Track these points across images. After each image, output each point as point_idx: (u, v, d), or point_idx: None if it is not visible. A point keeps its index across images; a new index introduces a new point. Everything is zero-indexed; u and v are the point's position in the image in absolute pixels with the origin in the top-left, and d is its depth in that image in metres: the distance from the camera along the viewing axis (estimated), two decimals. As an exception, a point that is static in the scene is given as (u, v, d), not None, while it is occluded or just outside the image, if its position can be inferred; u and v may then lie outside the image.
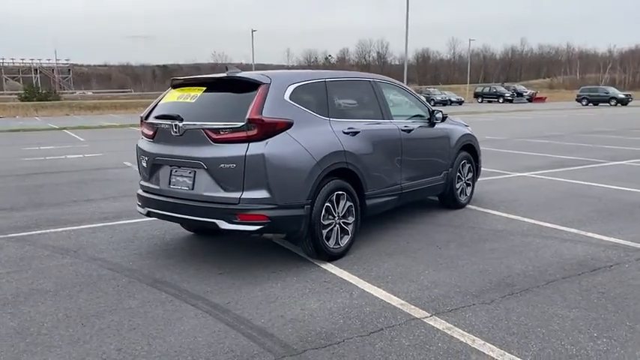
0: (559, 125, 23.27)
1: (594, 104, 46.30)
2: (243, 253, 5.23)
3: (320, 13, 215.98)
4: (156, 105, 5.23)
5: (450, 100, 50.85)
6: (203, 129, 4.57)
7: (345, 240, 5.04)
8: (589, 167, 10.77)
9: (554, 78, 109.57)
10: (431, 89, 56.29)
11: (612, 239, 5.53)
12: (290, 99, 4.73)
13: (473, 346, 3.33)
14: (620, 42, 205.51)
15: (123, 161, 12.22)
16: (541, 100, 57.59)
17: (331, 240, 4.88)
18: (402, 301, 4.03)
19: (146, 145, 5.11)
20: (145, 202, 5.08)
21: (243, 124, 4.42)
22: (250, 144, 4.41)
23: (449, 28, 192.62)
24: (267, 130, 4.43)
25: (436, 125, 6.51)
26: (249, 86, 4.66)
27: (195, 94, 4.86)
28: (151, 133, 5.06)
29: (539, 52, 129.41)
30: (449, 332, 3.51)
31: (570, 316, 3.73)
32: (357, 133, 5.19)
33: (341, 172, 4.94)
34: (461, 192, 7.00)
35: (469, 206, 7.14)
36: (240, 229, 4.45)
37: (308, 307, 3.96)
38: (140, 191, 5.21)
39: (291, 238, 4.81)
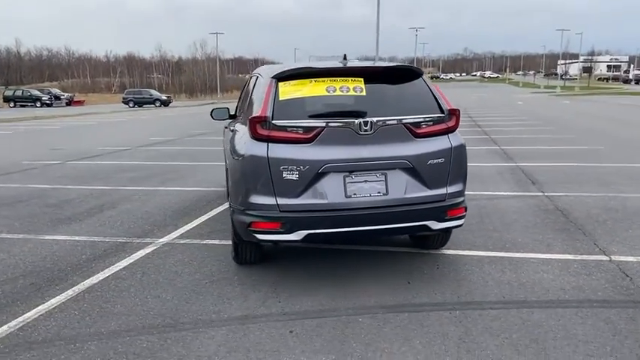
0: (156, 127, 22.64)
1: (140, 106, 48.88)
2: (349, 264, 4.74)
3: None
4: (274, 102, 4.08)
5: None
6: (404, 124, 4.07)
7: None
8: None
9: (62, 81, 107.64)
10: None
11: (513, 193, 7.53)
12: None
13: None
14: (115, 48, 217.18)
15: None
16: (80, 103, 56.53)
17: None
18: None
19: (296, 151, 3.94)
20: (297, 223, 3.96)
21: (444, 115, 4.22)
22: (449, 135, 4.26)
23: None
24: (459, 119, 4.37)
25: None
26: (410, 75, 4.38)
27: (356, 85, 4.14)
28: (307, 135, 3.96)
29: (38, 55, 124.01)
30: None
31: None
32: None
33: None
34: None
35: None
36: (450, 226, 4.26)
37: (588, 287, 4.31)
38: (273, 213, 3.99)
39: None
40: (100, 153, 13.20)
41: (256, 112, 4.09)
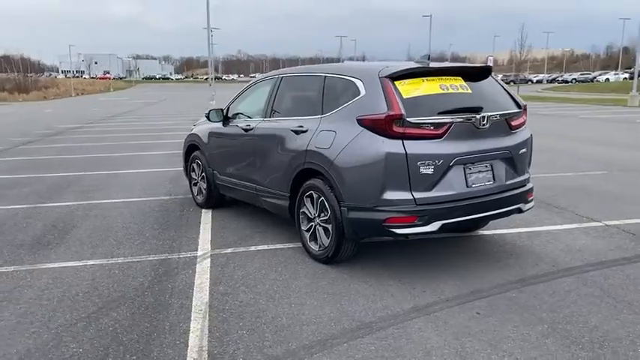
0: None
1: None
2: (422, 253, 5.12)
3: None
4: (399, 99, 4.24)
5: None
6: (506, 118, 4.58)
7: None
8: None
9: None
10: None
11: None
12: None
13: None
14: None
15: None
16: None
17: None
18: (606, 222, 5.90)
19: (431, 146, 4.16)
20: (433, 215, 4.20)
21: (521, 109, 4.84)
22: (525, 127, 4.91)
23: None
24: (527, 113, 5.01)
25: None
26: (485, 74, 4.88)
27: (460, 83, 4.53)
28: (439, 131, 4.20)
29: None
30: None
31: None
32: None
33: None
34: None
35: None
36: (530, 207, 4.90)
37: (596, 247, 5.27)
38: (410, 207, 4.17)
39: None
40: None
41: (383, 110, 4.18)
